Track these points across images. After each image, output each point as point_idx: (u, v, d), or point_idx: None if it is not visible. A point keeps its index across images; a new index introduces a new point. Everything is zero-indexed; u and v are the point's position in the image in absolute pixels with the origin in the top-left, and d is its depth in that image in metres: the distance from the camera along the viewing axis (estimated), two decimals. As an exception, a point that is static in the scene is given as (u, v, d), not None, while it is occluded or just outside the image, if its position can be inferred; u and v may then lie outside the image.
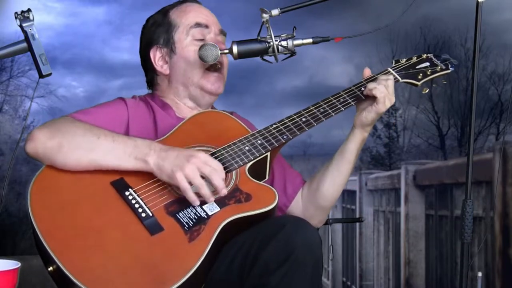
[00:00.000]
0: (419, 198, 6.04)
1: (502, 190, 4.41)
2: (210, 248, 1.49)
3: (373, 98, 1.78)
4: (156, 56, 1.91)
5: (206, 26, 1.89)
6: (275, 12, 1.70)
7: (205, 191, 1.55)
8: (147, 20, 1.96)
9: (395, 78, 1.88)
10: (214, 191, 1.58)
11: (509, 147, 4.47)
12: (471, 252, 1.85)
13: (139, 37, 1.98)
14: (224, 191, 1.57)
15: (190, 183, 1.55)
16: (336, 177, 1.85)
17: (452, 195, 5.49)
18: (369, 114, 1.79)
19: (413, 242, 6.00)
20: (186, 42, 1.88)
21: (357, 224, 6.81)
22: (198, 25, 1.88)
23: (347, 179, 1.86)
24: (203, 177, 1.56)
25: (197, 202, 1.56)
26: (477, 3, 1.85)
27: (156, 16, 1.95)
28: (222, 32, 1.93)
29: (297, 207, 1.90)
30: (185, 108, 1.91)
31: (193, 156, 1.56)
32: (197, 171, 1.55)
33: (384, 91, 1.76)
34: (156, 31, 1.91)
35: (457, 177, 5.37)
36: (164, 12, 1.93)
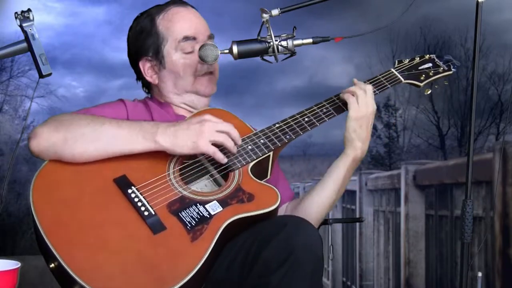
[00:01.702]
0: (419, 198, 6.04)
1: (502, 190, 4.42)
2: (212, 248, 1.49)
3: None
4: (146, 67, 1.90)
5: (194, 38, 1.88)
6: (275, 12, 1.70)
7: (231, 143, 1.64)
8: (134, 25, 1.94)
9: (398, 79, 1.91)
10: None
11: (509, 147, 4.48)
12: (471, 252, 1.85)
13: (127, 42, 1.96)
14: (240, 141, 1.68)
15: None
16: (319, 195, 1.81)
17: (452, 195, 5.49)
18: (346, 122, 1.78)
19: (413, 242, 6.01)
20: (176, 57, 1.87)
21: (357, 224, 6.81)
22: (186, 38, 1.87)
23: (331, 202, 1.80)
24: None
25: (225, 159, 1.64)
26: (477, 3, 1.85)
27: (142, 23, 1.91)
28: (211, 37, 1.92)
29: None
30: (181, 109, 1.92)
31: (204, 120, 1.62)
32: (215, 131, 1.61)
33: (353, 96, 1.77)
34: (145, 42, 1.89)
35: (457, 177, 5.38)
36: (151, 19, 1.90)
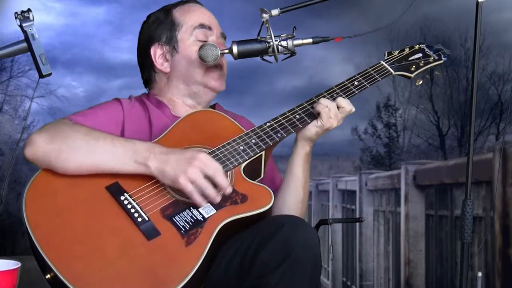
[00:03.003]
0: (419, 198, 6.04)
1: (502, 190, 4.41)
2: (208, 251, 1.49)
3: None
4: (157, 53, 1.90)
5: (210, 28, 1.90)
6: (275, 12, 1.70)
7: (211, 191, 1.55)
8: (148, 17, 1.96)
9: (388, 71, 1.90)
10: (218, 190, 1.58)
11: (509, 147, 4.47)
12: (471, 252, 1.85)
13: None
14: (229, 189, 1.58)
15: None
16: (286, 194, 1.81)
17: (452, 195, 5.49)
18: (312, 127, 1.78)
19: (413, 242, 6.00)
20: (189, 42, 1.88)
21: (357, 224, 6.81)
22: (202, 26, 1.89)
23: (300, 199, 1.81)
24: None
25: (203, 203, 1.56)
26: (477, 3, 1.85)
27: (157, 14, 1.94)
28: (223, 35, 1.94)
29: None
30: (182, 106, 1.91)
31: (195, 158, 1.56)
32: (200, 173, 1.55)
33: (328, 110, 1.75)
34: (158, 29, 1.90)
35: (457, 177, 5.37)
36: (167, 11, 1.93)
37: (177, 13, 1.91)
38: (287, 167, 1.83)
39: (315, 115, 1.77)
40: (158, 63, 1.90)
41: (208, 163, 1.56)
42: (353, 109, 1.79)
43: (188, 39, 1.88)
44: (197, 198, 1.55)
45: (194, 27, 1.88)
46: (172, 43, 1.89)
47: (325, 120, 1.75)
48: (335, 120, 1.76)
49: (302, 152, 1.81)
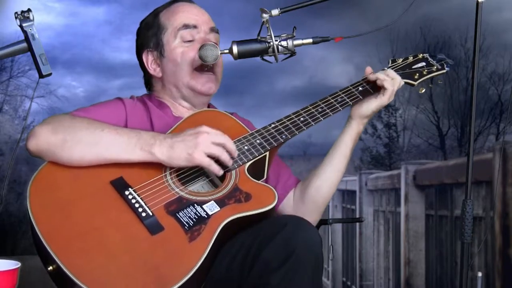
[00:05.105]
0: (419, 198, 6.04)
1: (502, 190, 4.42)
2: (211, 248, 1.49)
3: (372, 94, 1.81)
4: (149, 60, 1.91)
5: (195, 27, 1.88)
6: (275, 12, 1.70)
7: (226, 155, 1.61)
8: (140, 22, 1.97)
9: None
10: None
11: (509, 147, 4.48)
12: (471, 252, 1.85)
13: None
14: (236, 153, 1.64)
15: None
16: (330, 172, 1.85)
17: (452, 195, 5.49)
18: (370, 105, 1.82)
19: (413, 242, 6.00)
20: (174, 44, 1.88)
21: (357, 224, 6.81)
22: (186, 26, 1.88)
23: (341, 176, 1.85)
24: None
25: (221, 171, 1.61)
26: (477, 3, 1.85)
27: (147, 18, 1.95)
28: (214, 30, 1.92)
29: (288, 205, 1.90)
30: (181, 108, 1.92)
31: (199, 132, 1.60)
32: (210, 143, 1.59)
33: (394, 84, 1.80)
34: (147, 34, 1.92)
35: (457, 177, 5.37)
36: (155, 14, 1.93)
37: (164, 16, 1.91)
38: (334, 145, 1.86)
39: (320, 117, 1.78)
40: (151, 69, 1.92)
41: (213, 131, 1.61)
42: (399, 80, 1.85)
43: (173, 42, 1.88)
44: (215, 168, 1.60)
45: (178, 29, 1.88)
46: (159, 48, 1.89)
47: (387, 96, 1.81)
48: (392, 96, 1.82)
49: (355, 131, 1.85)
